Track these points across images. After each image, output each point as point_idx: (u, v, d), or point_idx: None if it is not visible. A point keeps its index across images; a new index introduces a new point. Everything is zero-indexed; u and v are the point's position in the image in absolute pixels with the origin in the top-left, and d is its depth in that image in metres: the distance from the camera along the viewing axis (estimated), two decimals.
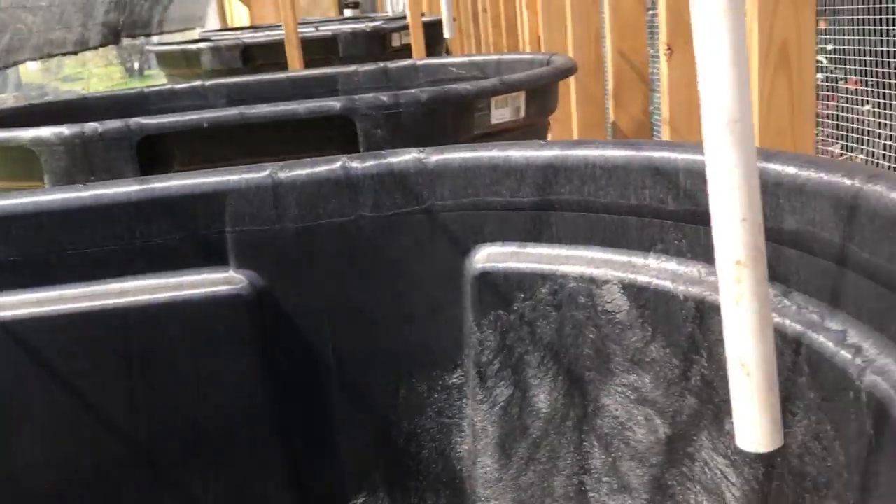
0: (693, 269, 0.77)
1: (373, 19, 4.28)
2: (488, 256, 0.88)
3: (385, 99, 1.49)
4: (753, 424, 0.42)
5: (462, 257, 0.89)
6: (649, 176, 0.79)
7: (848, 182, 0.62)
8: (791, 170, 0.67)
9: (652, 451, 0.81)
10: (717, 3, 0.36)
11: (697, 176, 0.75)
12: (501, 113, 1.70)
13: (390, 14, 5.80)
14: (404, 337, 0.91)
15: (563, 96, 2.69)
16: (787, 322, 0.66)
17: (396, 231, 0.89)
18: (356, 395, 0.92)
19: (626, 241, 0.82)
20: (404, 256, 0.89)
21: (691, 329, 0.76)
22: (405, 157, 0.89)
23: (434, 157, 0.88)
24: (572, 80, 2.49)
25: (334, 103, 1.49)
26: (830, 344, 0.62)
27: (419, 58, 2.80)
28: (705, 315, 0.74)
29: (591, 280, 0.83)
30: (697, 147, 0.77)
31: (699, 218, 0.76)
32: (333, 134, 1.49)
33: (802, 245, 0.66)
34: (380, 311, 0.90)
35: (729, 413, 0.73)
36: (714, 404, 0.74)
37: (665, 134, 1.74)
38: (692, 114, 1.69)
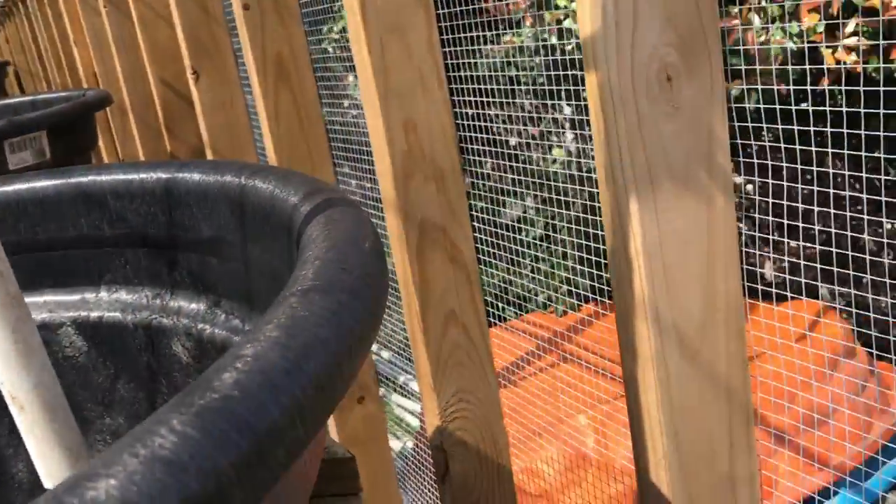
0: (140, 296, 0.73)
1: None
2: None
3: None
4: (42, 458, 0.38)
5: None
6: (81, 203, 0.73)
7: (235, 180, 0.61)
8: (196, 177, 0.65)
9: None
10: None
11: (124, 197, 0.71)
12: (21, 157, 1.54)
13: None
14: None
15: (129, 130, 2.55)
16: (217, 331, 0.65)
17: None
18: None
19: (77, 277, 0.76)
20: None
21: (147, 358, 0.72)
22: None
23: None
24: (130, 113, 2.37)
25: None
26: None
27: None
28: (155, 340, 0.71)
29: (46, 326, 0.75)
30: (123, 167, 0.73)
31: (135, 241, 0.72)
32: None
33: (218, 252, 0.65)
34: None
35: None
36: None
37: (208, 157, 1.71)
38: (231, 134, 1.67)
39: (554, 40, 2.92)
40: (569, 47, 2.92)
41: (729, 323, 0.66)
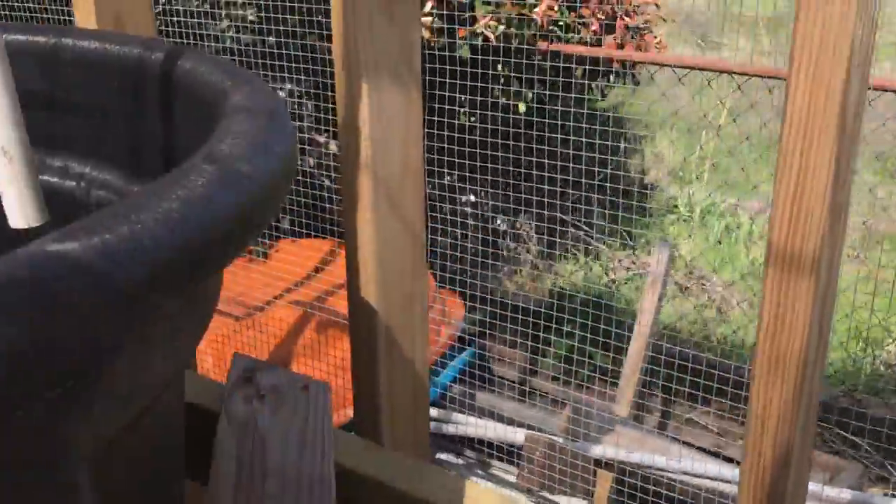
0: None
1: None
2: None
3: None
4: (22, 203, 0.49)
5: None
6: None
7: (44, 39, 0.71)
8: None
9: None
10: None
11: None
12: None
13: None
14: None
15: None
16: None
17: None
18: None
19: None
20: None
21: None
22: None
23: None
24: None
25: None
26: (56, 179, 0.72)
27: None
28: None
29: None
30: None
31: None
32: None
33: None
34: None
35: None
36: None
37: None
38: None
39: None
40: None
41: (415, 182, 0.93)
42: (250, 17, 2.89)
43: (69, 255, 0.26)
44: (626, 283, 3.40)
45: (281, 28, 2.72)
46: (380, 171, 0.88)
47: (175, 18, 2.81)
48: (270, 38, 2.85)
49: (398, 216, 0.92)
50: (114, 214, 0.30)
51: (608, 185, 3.05)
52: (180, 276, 0.30)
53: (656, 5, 3.09)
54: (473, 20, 2.71)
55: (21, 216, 0.50)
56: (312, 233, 3.00)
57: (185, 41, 2.89)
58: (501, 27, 2.70)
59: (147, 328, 0.29)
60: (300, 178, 2.92)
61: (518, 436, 2.23)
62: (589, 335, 2.71)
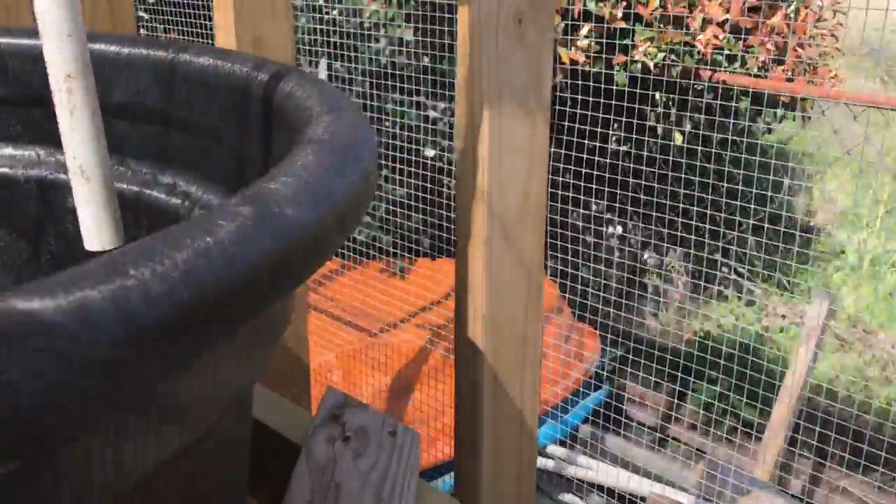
0: (31, 152, 0.78)
1: None
2: None
3: None
4: (97, 225, 0.47)
5: None
6: None
7: (164, 54, 0.71)
8: (115, 48, 0.73)
9: None
10: None
11: (26, 59, 0.76)
12: None
13: None
14: None
15: None
16: (125, 186, 0.73)
17: None
18: None
19: None
20: None
21: (36, 210, 0.77)
22: None
23: None
24: None
25: None
26: (163, 196, 0.71)
27: None
28: (47, 193, 0.77)
29: None
30: (25, 31, 0.77)
31: (31, 101, 0.77)
32: None
33: (130, 115, 0.73)
34: None
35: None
36: None
37: None
38: None
39: None
40: None
41: (535, 218, 0.87)
42: (407, 38, 2.92)
43: (35, 315, 0.22)
44: (780, 332, 3.17)
45: (438, 41, 2.73)
46: (496, 205, 0.83)
47: (333, 39, 2.88)
48: (426, 58, 2.88)
49: (513, 253, 0.86)
50: (107, 263, 0.26)
51: (766, 225, 2.84)
52: (182, 339, 0.26)
53: (834, 36, 2.87)
54: (632, 46, 2.61)
55: (96, 239, 0.48)
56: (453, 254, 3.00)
57: (341, 60, 2.96)
58: (661, 54, 2.58)
59: (143, 397, 0.25)
60: (441, 199, 2.91)
61: (644, 487, 2.10)
62: (735, 383, 2.53)
